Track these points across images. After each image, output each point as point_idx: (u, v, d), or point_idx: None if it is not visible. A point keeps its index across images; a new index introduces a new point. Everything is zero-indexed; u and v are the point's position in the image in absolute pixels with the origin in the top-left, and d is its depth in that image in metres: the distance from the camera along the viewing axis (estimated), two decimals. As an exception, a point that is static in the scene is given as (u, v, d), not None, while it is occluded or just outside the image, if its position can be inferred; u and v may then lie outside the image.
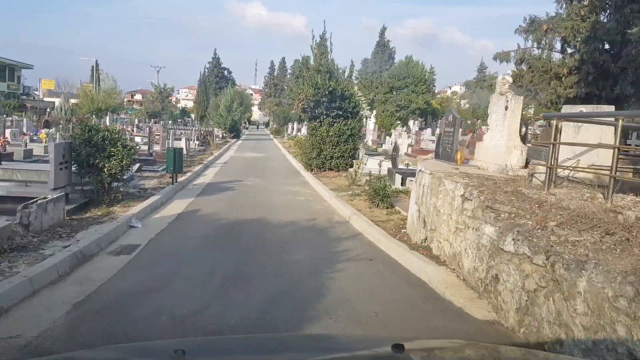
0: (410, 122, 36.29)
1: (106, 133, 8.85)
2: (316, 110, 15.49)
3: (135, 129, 26.94)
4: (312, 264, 5.61)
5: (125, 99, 47.23)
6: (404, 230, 7.20)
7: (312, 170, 15.59)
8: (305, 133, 22.30)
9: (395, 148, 13.56)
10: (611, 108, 5.55)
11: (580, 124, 5.46)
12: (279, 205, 9.77)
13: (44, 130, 17.43)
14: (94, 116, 30.15)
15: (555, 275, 3.28)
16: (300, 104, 15.62)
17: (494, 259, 4.11)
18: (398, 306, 4.38)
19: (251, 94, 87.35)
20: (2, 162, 10.55)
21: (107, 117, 29.26)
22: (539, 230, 3.74)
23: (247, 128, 56.93)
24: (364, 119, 31.72)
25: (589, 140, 5.21)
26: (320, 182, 13.27)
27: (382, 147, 24.67)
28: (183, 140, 19.73)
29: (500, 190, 4.91)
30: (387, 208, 9.01)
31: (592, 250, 3.23)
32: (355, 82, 49.51)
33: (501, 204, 4.41)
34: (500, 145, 6.58)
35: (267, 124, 69.20)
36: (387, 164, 13.31)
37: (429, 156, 12.16)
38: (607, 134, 5.14)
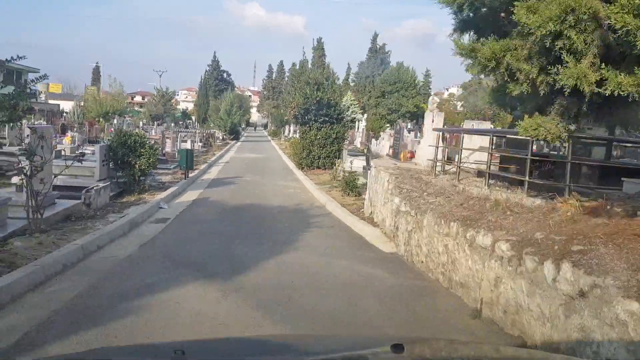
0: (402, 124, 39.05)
1: (137, 137, 11.64)
2: (306, 117, 18.28)
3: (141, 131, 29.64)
4: (291, 229, 8.34)
5: (126, 101, 49.82)
6: (362, 210, 9.94)
7: (302, 168, 18.35)
8: (298, 136, 25.05)
9: (369, 149, 16.33)
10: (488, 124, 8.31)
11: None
12: (272, 195, 12.51)
13: (69, 134, 20.16)
14: (102, 119, 32.84)
15: (417, 220, 6.05)
16: (292, 111, 18.41)
17: (396, 216, 6.87)
18: (341, 246, 7.12)
19: (250, 96, 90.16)
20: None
21: (115, 120, 32.00)
22: (418, 198, 6.50)
23: (244, 129, 59.60)
24: (356, 122, 34.48)
25: (476, 146, 7.97)
26: (308, 178, 16.03)
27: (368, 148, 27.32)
28: (189, 142, 22.48)
29: (411, 177, 7.67)
30: (355, 196, 11.75)
31: (436, 205, 5.99)
32: (352, 84, 52.27)
33: (406, 184, 7.18)
34: (428, 147, 9.35)
35: (265, 126, 72.00)
36: (363, 163, 16.07)
37: (385, 156, 14.92)
38: (485, 140, 7.91)
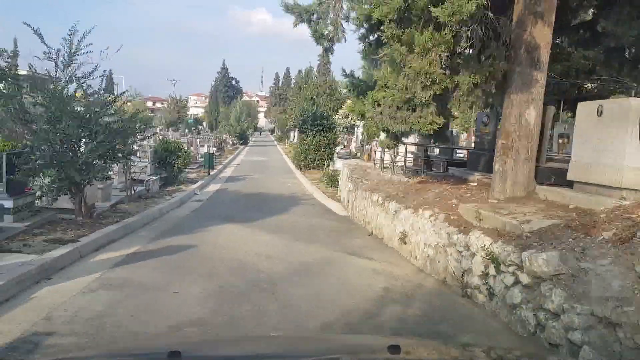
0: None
1: (175, 143, 16.49)
2: (303, 126, 23.07)
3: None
4: (284, 205, 13.04)
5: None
6: (337, 195, 14.66)
7: (300, 169, 23.10)
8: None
9: (353, 153, 21.04)
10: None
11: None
12: (274, 187, 17.25)
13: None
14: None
15: (355, 193, 10.79)
16: (292, 121, 23.20)
17: (348, 194, 11.62)
18: (314, 213, 11.84)
19: (257, 101, 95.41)
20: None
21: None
22: (358, 181, 11.23)
23: (252, 134, 64.59)
24: (355, 128, 39.09)
25: (402, 150, 12.65)
26: (304, 176, 20.78)
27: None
28: (206, 146, 27.35)
29: (360, 171, 12.40)
30: (335, 187, 16.43)
31: (365, 185, 10.70)
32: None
33: (355, 175, 11.91)
34: (377, 151, 14.04)
35: (272, 131, 77.01)
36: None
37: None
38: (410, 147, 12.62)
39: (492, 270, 4.90)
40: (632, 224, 4.15)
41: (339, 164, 20.69)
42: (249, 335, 3.77)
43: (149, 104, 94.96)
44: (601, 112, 5.65)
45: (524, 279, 4.40)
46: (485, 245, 5.05)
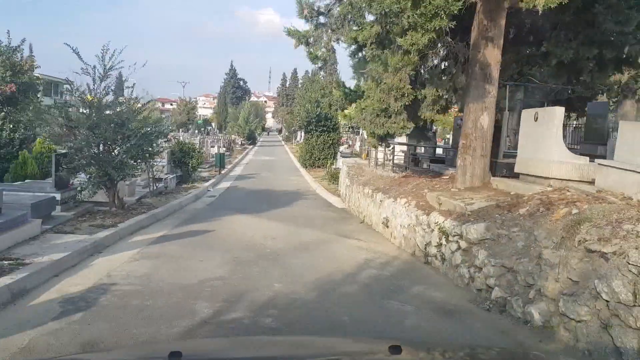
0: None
1: (189, 145, 18.13)
2: (308, 127, 24.64)
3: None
4: (289, 201, 14.60)
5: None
6: (337, 191, 16.20)
7: (306, 167, 24.68)
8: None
9: (356, 153, 22.56)
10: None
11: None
12: (280, 184, 18.83)
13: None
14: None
15: (351, 188, 12.34)
16: (297, 122, 24.76)
17: (346, 188, 13.16)
18: (316, 206, 13.39)
19: (265, 101, 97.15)
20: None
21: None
22: (354, 177, 12.77)
23: (260, 134, 66.26)
24: (360, 128, 40.69)
25: (397, 149, 14.16)
26: (308, 174, 22.35)
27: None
28: (216, 147, 29.01)
29: (357, 168, 13.93)
30: (336, 184, 17.99)
31: (360, 180, 12.24)
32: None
33: (352, 172, 13.45)
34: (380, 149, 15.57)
35: (279, 131, 78.68)
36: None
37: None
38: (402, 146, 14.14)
39: (443, 241, 6.43)
40: (540, 203, 5.65)
41: (341, 162, 22.26)
42: (249, 337, 3.83)
43: (158, 104, 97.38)
44: (537, 118, 7.16)
45: (463, 244, 5.93)
46: (439, 222, 6.58)
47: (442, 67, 7.65)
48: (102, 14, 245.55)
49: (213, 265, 6.60)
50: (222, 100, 58.99)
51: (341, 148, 27.39)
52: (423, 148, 13.10)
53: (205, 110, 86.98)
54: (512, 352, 2.58)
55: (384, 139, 9.36)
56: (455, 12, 5.73)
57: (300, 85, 69.37)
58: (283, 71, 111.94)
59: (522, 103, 14.97)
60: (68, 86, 10.60)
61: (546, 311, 4.43)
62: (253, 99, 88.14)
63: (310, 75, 54.16)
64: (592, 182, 6.25)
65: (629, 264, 3.66)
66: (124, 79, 10.69)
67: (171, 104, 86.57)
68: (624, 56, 8.43)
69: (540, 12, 6.01)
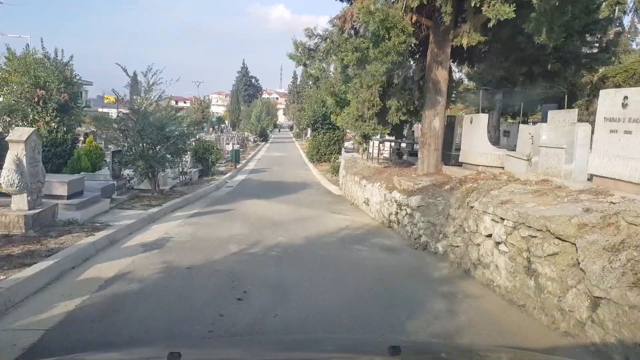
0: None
1: (209, 142, 21.15)
2: (315, 125, 27.49)
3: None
4: (295, 189, 17.48)
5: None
6: (338, 181, 19.05)
7: (313, 162, 27.55)
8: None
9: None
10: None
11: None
12: (289, 177, 21.73)
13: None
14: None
15: (347, 177, 15.20)
16: (304, 121, 27.61)
17: (344, 178, 16.03)
18: (318, 193, 16.26)
19: (277, 98, 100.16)
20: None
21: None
22: (350, 169, 15.63)
23: (272, 131, 69.25)
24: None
25: (391, 143, 16.95)
26: (315, 168, 25.23)
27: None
28: (231, 144, 32.03)
29: (353, 161, 16.78)
30: (338, 176, 20.83)
31: (353, 170, 15.09)
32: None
33: (348, 164, 16.31)
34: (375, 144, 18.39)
35: (291, 128, 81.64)
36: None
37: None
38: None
39: (398, 210, 9.26)
40: (458, 181, 8.44)
41: (342, 157, 25.04)
42: (248, 337, 4.01)
43: (172, 103, 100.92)
44: (472, 121, 9.95)
45: (408, 211, 8.76)
46: (396, 197, 9.41)
47: (404, 84, 10.39)
48: (110, 15, 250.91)
49: (236, 228, 9.50)
50: (235, 99, 62.20)
51: (346, 144, 30.26)
52: (405, 143, 15.86)
53: (217, 107, 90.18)
54: (512, 352, 2.60)
55: (366, 137, 12.20)
56: (401, 51, 8.51)
57: (309, 87, 72.12)
58: (294, 69, 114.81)
59: (501, 103, 17.73)
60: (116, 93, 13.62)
61: (445, 245, 7.25)
62: (265, 96, 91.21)
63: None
64: (503, 167, 9.04)
65: (485, 212, 6.46)
66: (162, 91, 13.65)
67: (184, 102, 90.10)
68: (549, 70, 11.12)
69: (465, 47, 8.78)
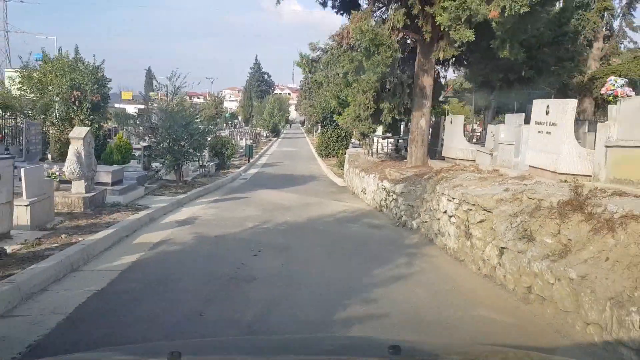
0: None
1: (225, 138, 23.21)
2: (324, 122, 29.41)
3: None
4: (303, 181, 19.43)
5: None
6: (343, 174, 20.96)
7: (322, 157, 29.49)
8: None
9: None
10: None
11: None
12: (299, 170, 23.70)
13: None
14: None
15: (349, 170, 17.13)
16: (314, 118, 29.54)
17: (347, 171, 17.96)
18: (324, 184, 18.22)
19: (289, 94, 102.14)
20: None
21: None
22: (353, 162, 17.55)
23: (284, 127, 71.30)
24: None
25: (390, 139, 18.84)
26: (324, 162, 27.18)
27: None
28: (244, 139, 34.10)
29: (356, 156, 18.69)
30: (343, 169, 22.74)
31: (356, 164, 17.02)
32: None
33: (353, 158, 18.24)
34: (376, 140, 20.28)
35: (302, 123, 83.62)
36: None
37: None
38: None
39: (387, 196, 11.16)
40: (435, 171, 10.30)
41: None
42: (249, 337, 4.11)
43: (186, 97, 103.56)
44: (451, 121, 11.81)
45: (394, 196, 10.67)
46: (385, 186, 11.32)
47: (395, 89, 12.24)
48: (132, 9, 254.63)
49: (251, 211, 11.48)
50: (248, 95, 64.37)
51: (353, 140, 32.15)
52: (402, 140, 17.75)
53: (230, 103, 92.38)
54: (513, 352, 2.62)
55: (364, 135, 14.11)
56: (389, 63, 10.38)
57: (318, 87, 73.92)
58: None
59: (496, 102, 19.48)
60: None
61: (418, 222, 9.15)
62: (277, 91, 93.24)
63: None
64: (474, 160, 10.90)
65: (443, 194, 8.34)
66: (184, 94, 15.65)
67: (198, 97, 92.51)
68: (523, 76, 12.90)
69: (441, 60, 10.64)
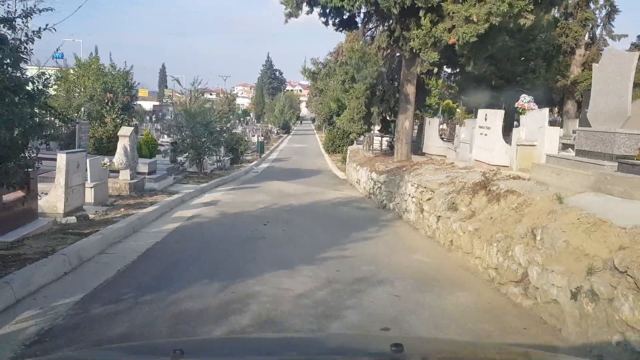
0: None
1: (240, 135, 25.99)
2: (331, 120, 32.05)
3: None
4: (309, 174, 22.09)
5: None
6: (345, 169, 23.60)
7: (329, 153, 32.15)
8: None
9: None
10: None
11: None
12: (306, 165, 26.38)
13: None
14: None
15: (349, 165, 19.78)
16: (322, 116, 32.16)
17: (347, 165, 20.60)
18: (328, 177, 20.90)
19: (300, 90, 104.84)
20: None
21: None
22: (352, 157, 20.19)
23: (294, 124, 74.03)
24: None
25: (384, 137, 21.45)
26: (330, 157, 29.87)
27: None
28: (256, 136, 36.86)
29: (357, 152, 21.32)
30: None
31: (355, 159, 19.65)
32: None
33: (353, 154, 20.88)
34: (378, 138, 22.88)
35: (313, 120, 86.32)
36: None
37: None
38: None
39: (374, 185, 13.79)
40: (411, 164, 12.89)
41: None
42: (250, 335, 4.23)
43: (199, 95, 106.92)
44: (430, 123, 14.40)
45: (379, 185, 13.30)
46: (373, 176, 13.94)
47: (383, 95, 14.79)
48: (146, 7, 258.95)
49: (262, 197, 14.17)
50: (260, 92, 67.28)
51: (361, 137, 34.82)
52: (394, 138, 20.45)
53: (242, 99, 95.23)
54: (514, 350, 2.60)
55: (359, 134, 16.75)
56: (375, 76, 12.95)
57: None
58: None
59: (485, 104, 21.95)
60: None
61: (394, 204, 11.78)
62: (288, 88, 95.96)
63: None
64: (445, 156, 13.47)
65: (409, 181, 10.94)
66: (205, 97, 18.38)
67: (210, 94, 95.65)
68: (494, 85, 15.40)
69: (418, 73, 13.23)
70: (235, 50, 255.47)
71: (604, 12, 23.39)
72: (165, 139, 25.06)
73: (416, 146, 16.00)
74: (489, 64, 14.26)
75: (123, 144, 12.68)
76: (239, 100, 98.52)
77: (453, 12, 10.68)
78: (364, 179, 15.38)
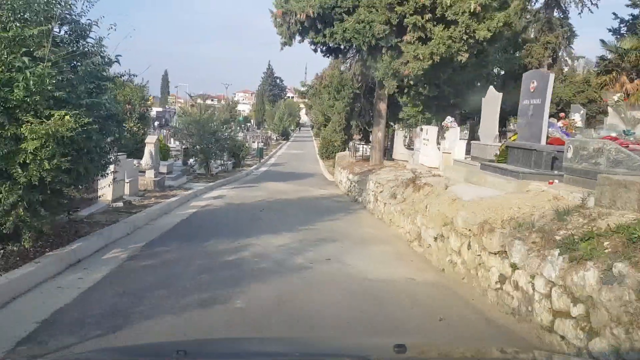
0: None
1: (241, 141, 29.74)
2: (325, 128, 35.79)
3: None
4: (303, 176, 25.74)
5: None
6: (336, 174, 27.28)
7: (323, 159, 35.84)
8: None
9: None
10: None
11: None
12: (301, 169, 30.05)
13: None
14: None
15: (336, 170, 23.46)
16: (316, 125, 35.86)
17: (337, 172, 24.28)
18: (319, 180, 24.56)
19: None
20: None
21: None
22: (340, 162, 23.87)
23: (294, 130, 77.85)
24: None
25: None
26: (323, 163, 33.56)
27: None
28: (256, 142, 40.61)
29: (343, 158, 24.99)
30: (338, 169, 29.07)
31: (342, 165, 23.32)
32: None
33: (340, 159, 24.55)
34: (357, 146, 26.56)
35: (312, 126, 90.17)
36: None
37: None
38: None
39: (351, 184, 17.45)
40: (380, 168, 16.52)
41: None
42: (254, 336, 4.45)
43: (198, 101, 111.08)
44: (397, 134, 18.10)
45: (354, 183, 16.97)
46: (350, 177, 17.61)
47: (360, 111, 18.44)
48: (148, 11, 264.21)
49: (260, 193, 17.81)
50: (260, 100, 71.27)
51: (350, 143, 38.53)
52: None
53: (243, 106, 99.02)
54: (515, 351, 2.66)
55: (347, 141, 20.44)
56: (351, 97, 16.57)
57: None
58: (316, 72, 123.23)
59: (459, 115, 25.61)
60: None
61: (363, 198, 15.44)
62: (289, 94, 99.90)
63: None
64: (407, 161, 17.14)
65: (370, 179, 14.58)
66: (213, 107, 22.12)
67: (212, 100, 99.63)
68: (452, 103, 19.04)
69: (388, 95, 16.95)
70: (237, 56, 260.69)
71: (565, 35, 27.09)
72: (174, 144, 28.82)
73: (389, 153, 19.67)
74: (447, 85, 17.93)
75: (149, 149, 16.38)
76: (239, 107, 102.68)
77: (407, 51, 14.38)
78: (344, 180, 19.04)
